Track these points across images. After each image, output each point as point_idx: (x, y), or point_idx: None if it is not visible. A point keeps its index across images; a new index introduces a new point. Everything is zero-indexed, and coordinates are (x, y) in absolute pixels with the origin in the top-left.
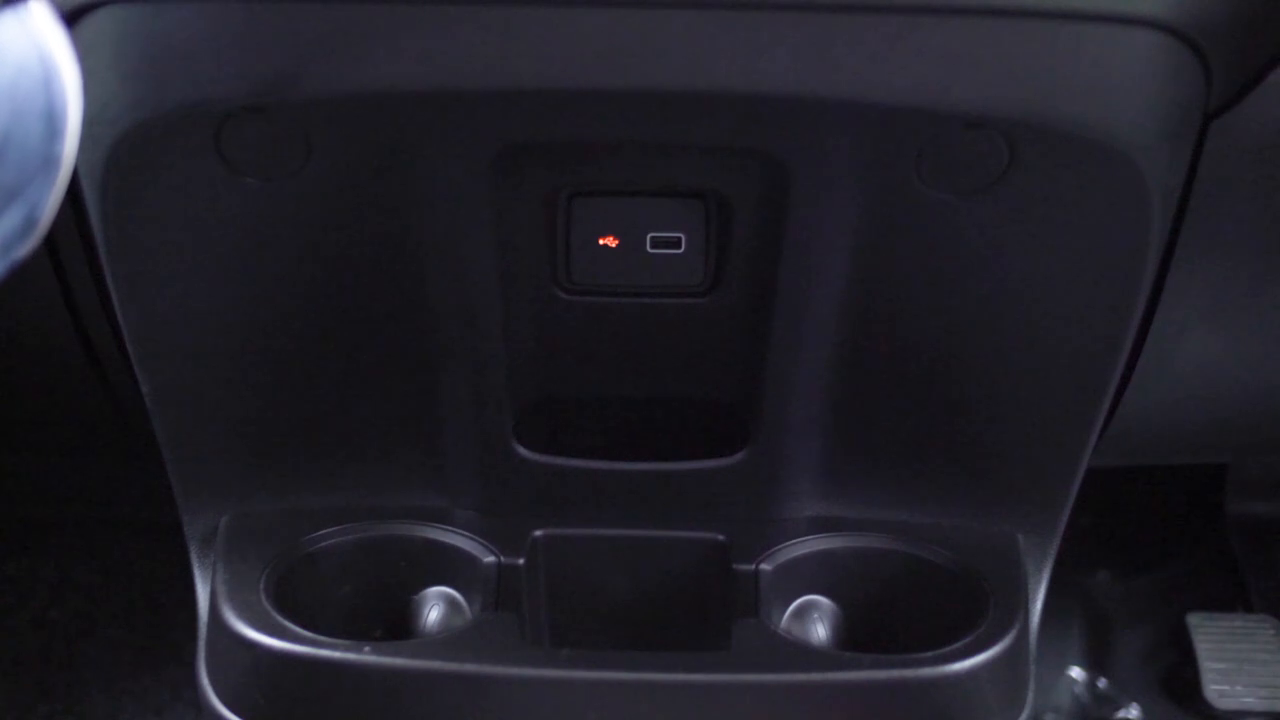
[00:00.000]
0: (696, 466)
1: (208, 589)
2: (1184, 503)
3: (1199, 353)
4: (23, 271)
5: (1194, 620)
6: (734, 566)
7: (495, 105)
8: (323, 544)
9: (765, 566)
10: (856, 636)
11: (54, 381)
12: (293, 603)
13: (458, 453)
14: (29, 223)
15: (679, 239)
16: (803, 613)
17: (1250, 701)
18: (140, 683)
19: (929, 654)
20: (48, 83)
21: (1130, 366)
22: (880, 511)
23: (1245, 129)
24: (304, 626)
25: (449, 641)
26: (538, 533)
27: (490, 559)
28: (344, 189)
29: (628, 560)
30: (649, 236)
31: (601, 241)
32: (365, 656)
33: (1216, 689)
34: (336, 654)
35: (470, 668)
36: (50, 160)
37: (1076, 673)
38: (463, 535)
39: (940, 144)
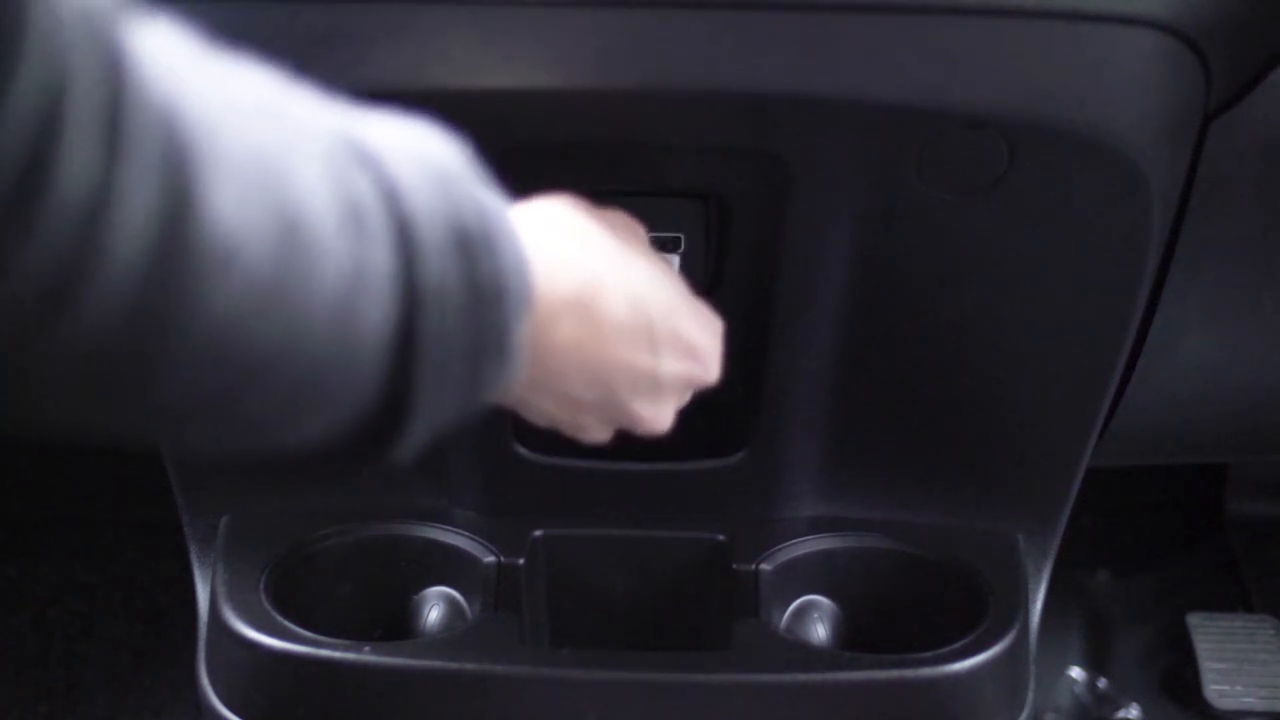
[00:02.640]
0: (696, 466)
1: (208, 589)
2: (1184, 503)
3: (1199, 353)
4: None
5: (1194, 620)
6: (734, 566)
7: (495, 105)
8: (323, 544)
9: (765, 566)
10: (856, 636)
11: None
12: (293, 603)
13: (458, 453)
14: None
15: (679, 239)
16: (803, 613)
17: (1250, 701)
18: (140, 683)
19: (929, 654)
20: None
21: (1130, 366)
22: (880, 511)
23: (1245, 129)
24: (304, 626)
25: (449, 641)
26: (538, 533)
27: (490, 559)
28: None
29: (628, 560)
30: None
31: None
32: (365, 656)
33: (1216, 689)
34: (336, 654)
35: (470, 668)
36: None
37: (1076, 673)
38: (463, 535)
39: (940, 144)
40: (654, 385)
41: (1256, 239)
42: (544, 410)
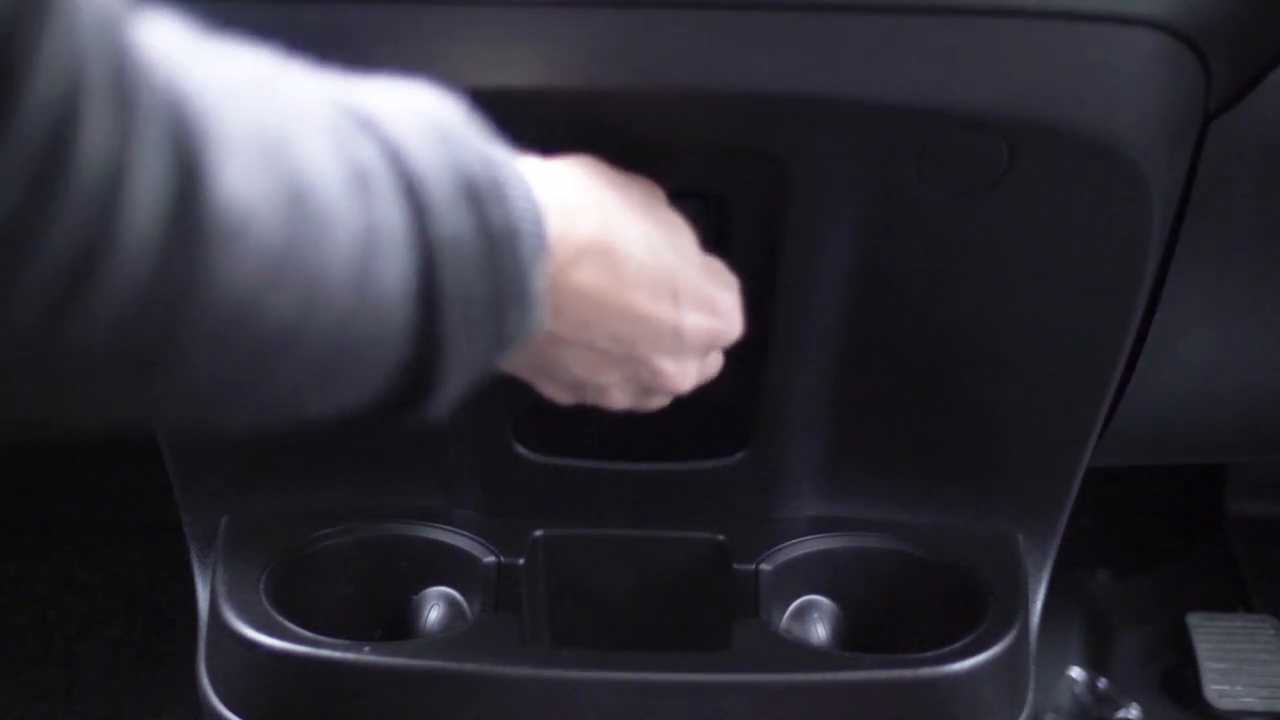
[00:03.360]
0: (696, 466)
1: (208, 589)
2: (1184, 503)
3: (1199, 353)
4: None
5: (1194, 620)
6: (734, 566)
7: (494, 105)
8: (323, 544)
9: (765, 566)
10: (856, 636)
11: None
12: (293, 603)
13: (458, 452)
14: None
15: None
16: (803, 613)
17: (1250, 701)
18: (140, 683)
19: (929, 654)
20: None
21: (1130, 366)
22: (880, 511)
23: (1245, 129)
24: (304, 626)
25: (449, 641)
26: (538, 533)
27: (490, 559)
28: None
29: (628, 560)
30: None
31: None
32: (365, 656)
33: (1216, 689)
34: (336, 654)
35: (470, 668)
36: None
37: (1076, 673)
38: (463, 535)
39: (940, 144)
40: (677, 339)
41: (1256, 239)
42: (566, 372)
